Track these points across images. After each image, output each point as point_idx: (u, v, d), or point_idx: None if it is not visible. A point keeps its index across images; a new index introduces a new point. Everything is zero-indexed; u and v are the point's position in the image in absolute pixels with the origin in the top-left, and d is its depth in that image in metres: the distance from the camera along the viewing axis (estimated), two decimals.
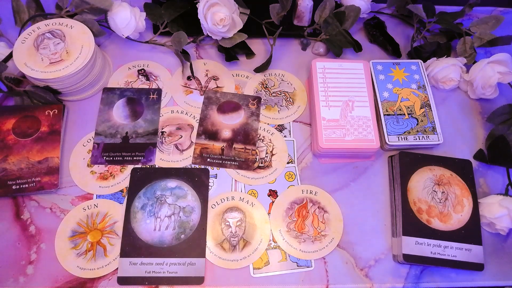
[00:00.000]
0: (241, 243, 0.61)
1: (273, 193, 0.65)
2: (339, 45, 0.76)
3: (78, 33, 0.68)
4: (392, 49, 0.80)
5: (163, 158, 0.67)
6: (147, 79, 0.74)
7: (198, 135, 0.69)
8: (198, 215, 0.62)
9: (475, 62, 0.75)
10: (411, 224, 0.60)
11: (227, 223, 0.62)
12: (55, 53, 0.66)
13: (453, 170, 0.65)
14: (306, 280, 0.59)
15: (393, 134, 0.67)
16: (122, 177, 0.65)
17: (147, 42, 0.76)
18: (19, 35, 0.68)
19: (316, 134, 0.66)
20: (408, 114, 0.69)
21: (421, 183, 0.64)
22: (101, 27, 0.73)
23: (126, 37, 0.73)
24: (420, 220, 0.61)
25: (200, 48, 0.79)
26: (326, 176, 0.67)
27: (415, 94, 0.71)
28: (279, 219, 0.63)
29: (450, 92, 0.77)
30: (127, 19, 0.71)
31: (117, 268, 0.58)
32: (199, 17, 0.70)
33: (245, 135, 0.69)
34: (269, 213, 0.63)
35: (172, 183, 0.64)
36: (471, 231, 0.61)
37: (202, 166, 0.66)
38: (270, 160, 0.68)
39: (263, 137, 0.70)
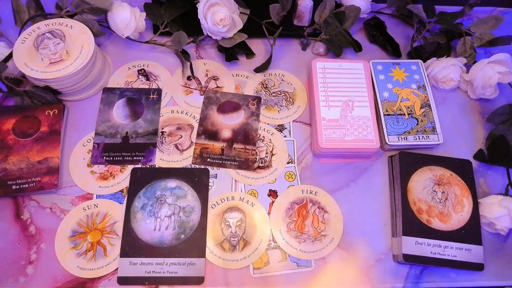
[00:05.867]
0: (241, 243, 0.61)
1: (273, 193, 0.65)
2: (339, 45, 0.76)
3: (78, 33, 0.68)
4: (392, 49, 0.79)
5: (163, 158, 0.67)
6: (147, 79, 0.74)
7: (198, 135, 0.69)
8: (198, 215, 0.62)
9: (475, 62, 0.75)
10: (411, 224, 0.60)
11: (227, 223, 0.62)
12: (55, 53, 0.66)
13: (453, 170, 0.65)
14: (306, 280, 0.59)
15: (393, 134, 0.67)
16: (122, 177, 0.65)
17: (147, 42, 0.76)
18: (19, 35, 0.68)
19: (316, 134, 0.66)
20: (408, 114, 0.69)
21: (421, 183, 0.64)
22: (101, 27, 0.73)
23: (126, 37, 0.73)
24: (420, 220, 0.61)
25: (200, 48, 0.79)
26: (326, 176, 0.67)
27: (415, 94, 0.71)
28: (279, 219, 0.63)
29: (450, 92, 0.77)
30: (127, 19, 0.71)
31: (117, 268, 0.58)
32: (199, 17, 0.70)
33: (245, 135, 0.69)
34: (269, 213, 0.63)
35: (172, 183, 0.64)
36: (471, 231, 0.61)
37: (202, 166, 0.66)
38: (270, 160, 0.68)
39: (263, 137, 0.70)
